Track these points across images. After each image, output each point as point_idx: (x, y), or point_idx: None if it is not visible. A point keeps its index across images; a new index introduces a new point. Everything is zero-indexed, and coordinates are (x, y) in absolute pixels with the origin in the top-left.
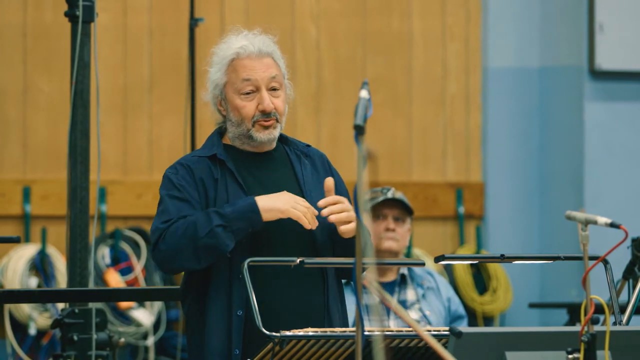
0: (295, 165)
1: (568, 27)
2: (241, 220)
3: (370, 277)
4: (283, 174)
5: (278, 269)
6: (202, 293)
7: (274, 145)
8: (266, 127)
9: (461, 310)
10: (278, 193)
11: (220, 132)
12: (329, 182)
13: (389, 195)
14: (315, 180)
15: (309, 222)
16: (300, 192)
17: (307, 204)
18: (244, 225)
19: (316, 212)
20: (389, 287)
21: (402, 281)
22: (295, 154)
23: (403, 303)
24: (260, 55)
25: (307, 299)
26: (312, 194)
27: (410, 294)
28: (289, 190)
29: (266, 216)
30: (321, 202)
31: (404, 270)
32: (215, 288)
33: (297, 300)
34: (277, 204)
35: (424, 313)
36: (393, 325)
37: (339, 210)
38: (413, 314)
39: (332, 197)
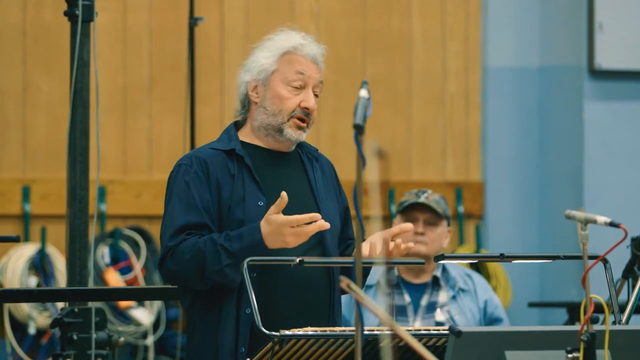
0: (308, 170)
1: (568, 27)
2: (249, 255)
3: (347, 280)
4: (297, 178)
5: (284, 269)
6: (209, 291)
7: (293, 147)
8: (299, 127)
9: (499, 312)
10: (276, 229)
11: (237, 127)
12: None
13: (422, 198)
14: (325, 187)
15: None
16: (312, 199)
17: (302, 228)
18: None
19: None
20: (421, 288)
21: (434, 283)
22: (307, 158)
23: (433, 304)
24: (314, 60)
25: (314, 300)
26: (324, 202)
27: (442, 296)
28: (302, 196)
29: (273, 247)
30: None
31: (437, 272)
32: (226, 286)
33: (304, 301)
34: (280, 244)
35: (451, 315)
36: (418, 325)
37: None
38: (440, 316)
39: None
